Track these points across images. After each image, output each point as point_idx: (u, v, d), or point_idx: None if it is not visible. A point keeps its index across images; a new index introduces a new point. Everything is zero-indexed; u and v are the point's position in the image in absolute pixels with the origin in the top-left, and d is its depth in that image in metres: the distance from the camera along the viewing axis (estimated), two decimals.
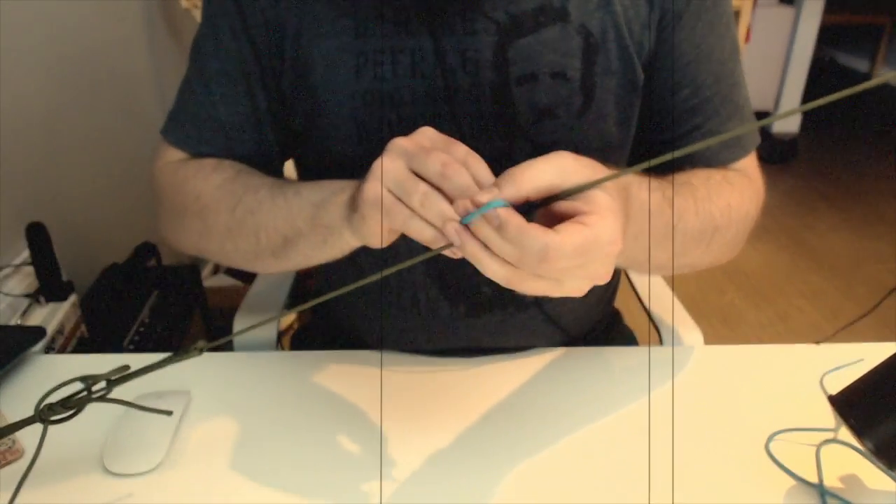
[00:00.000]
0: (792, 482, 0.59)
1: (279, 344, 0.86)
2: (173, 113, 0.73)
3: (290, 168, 0.81)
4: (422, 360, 0.75)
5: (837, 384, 0.56)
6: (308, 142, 0.71)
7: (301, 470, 0.60)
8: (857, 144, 3.87)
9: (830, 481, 0.58)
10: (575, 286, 0.47)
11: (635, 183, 0.56)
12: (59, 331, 1.03)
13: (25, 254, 1.10)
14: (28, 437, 0.57)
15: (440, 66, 0.64)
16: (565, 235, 0.44)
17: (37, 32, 1.23)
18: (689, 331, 0.85)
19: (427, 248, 0.49)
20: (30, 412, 0.50)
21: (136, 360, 0.52)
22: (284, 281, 0.97)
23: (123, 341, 1.18)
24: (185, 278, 1.45)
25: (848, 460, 0.59)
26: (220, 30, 0.68)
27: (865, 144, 3.87)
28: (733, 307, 2.31)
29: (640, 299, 0.95)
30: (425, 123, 0.65)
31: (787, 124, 3.92)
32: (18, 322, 1.01)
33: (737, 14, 2.93)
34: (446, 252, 0.48)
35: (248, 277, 1.93)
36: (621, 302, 0.94)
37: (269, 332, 0.85)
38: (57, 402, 0.49)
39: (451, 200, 0.46)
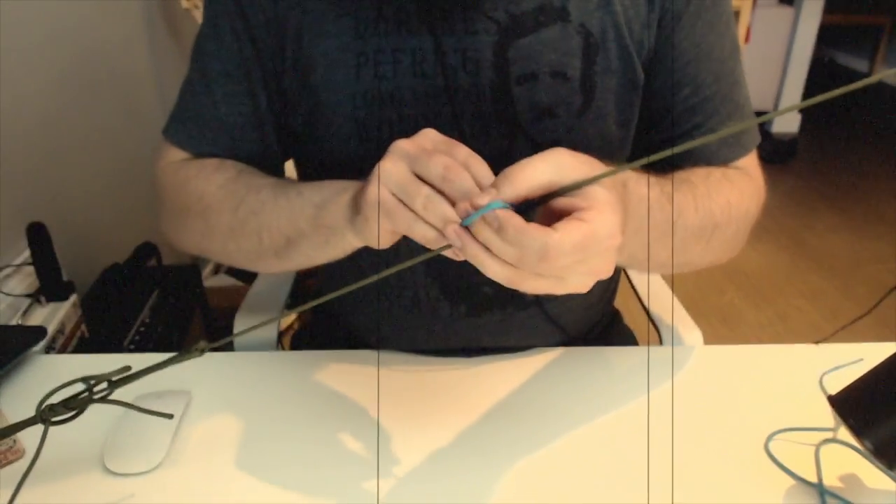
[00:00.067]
0: (791, 482, 0.59)
1: (279, 344, 0.86)
2: (175, 113, 0.73)
3: (290, 168, 0.81)
4: (422, 360, 0.75)
5: (837, 384, 0.57)
6: (308, 141, 0.71)
7: (301, 469, 0.60)
8: (856, 144, 3.87)
9: (830, 481, 0.58)
10: (578, 283, 0.47)
11: (633, 178, 0.56)
12: (60, 331, 1.03)
13: (26, 254, 1.10)
14: (29, 437, 0.57)
15: (440, 66, 0.64)
16: (564, 233, 0.44)
17: (37, 32, 1.23)
18: (688, 331, 0.85)
19: (428, 248, 0.49)
20: (30, 412, 0.50)
21: (137, 360, 0.52)
22: (285, 281, 0.98)
23: (124, 341, 1.18)
24: (186, 278, 1.45)
25: (847, 460, 0.59)
26: (221, 30, 0.68)
27: (865, 144, 3.87)
28: (733, 307, 2.31)
29: (639, 299, 0.95)
30: (426, 123, 0.65)
31: (787, 124, 3.92)
32: (19, 322, 1.01)
33: (736, 14, 2.94)
34: (448, 254, 0.48)
35: (248, 277, 1.93)
36: (621, 302, 0.94)
37: (269, 332, 0.85)
38: (58, 403, 0.49)
39: (453, 203, 0.47)
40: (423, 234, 0.48)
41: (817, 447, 0.61)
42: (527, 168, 0.46)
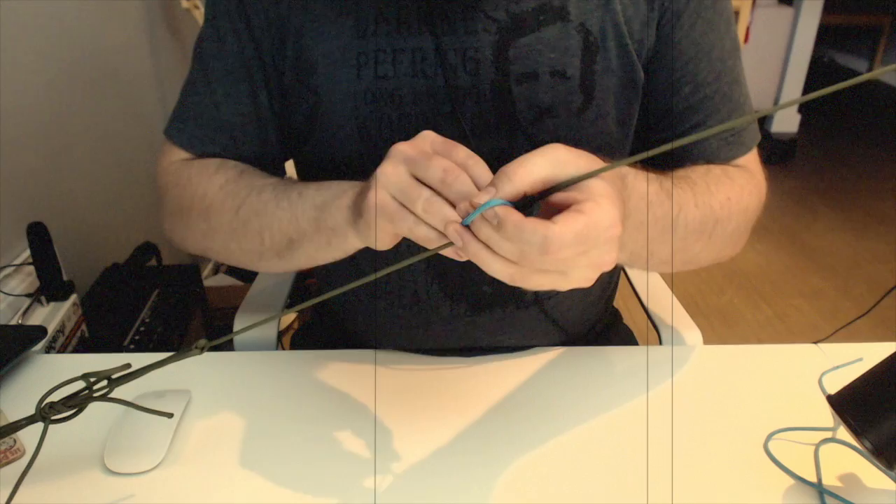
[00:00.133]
0: (791, 481, 0.59)
1: (279, 343, 0.86)
2: (176, 113, 0.73)
3: (290, 167, 0.81)
4: (421, 359, 0.75)
5: (836, 384, 0.57)
6: (309, 141, 0.71)
7: (301, 468, 0.60)
8: (855, 144, 3.87)
9: (829, 480, 0.58)
10: (581, 276, 0.47)
11: (631, 174, 0.56)
12: (60, 330, 1.03)
13: (26, 253, 1.10)
14: (29, 437, 0.57)
15: (441, 66, 0.64)
16: (563, 224, 0.44)
17: (37, 33, 1.23)
18: (688, 330, 0.85)
19: (429, 249, 0.49)
20: (30, 411, 0.50)
21: (137, 360, 0.53)
22: (285, 281, 0.98)
23: (124, 341, 1.18)
24: (186, 278, 1.45)
25: (846, 459, 0.60)
26: (222, 30, 0.68)
27: (864, 144, 3.87)
28: (732, 307, 2.31)
29: (639, 299, 0.95)
30: (426, 122, 0.65)
31: (786, 125, 3.92)
32: (19, 321, 1.01)
33: (736, 14, 2.93)
34: (451, 254, 0.49)
35: (248, 277, 1.93)
36: (621, 302, 0.94)
37: (269, 331, 0.85)
38: (58, 401, 0.49)
39: (454, 206, 0.47)
40: (424, 236, 0.49)
41: (817, 447, 0.61)
42: (524, 165, 0.46)
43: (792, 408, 0.67)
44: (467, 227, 0.46)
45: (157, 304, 1.31)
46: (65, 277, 1.09)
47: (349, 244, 0.59)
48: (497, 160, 0.50)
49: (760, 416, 0.66)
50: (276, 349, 0.84)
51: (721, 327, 2.20)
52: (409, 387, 0.71)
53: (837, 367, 0.72)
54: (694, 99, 0.69)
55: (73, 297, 1.08)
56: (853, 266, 2.55)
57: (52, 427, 0.50)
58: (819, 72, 4.25)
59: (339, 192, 0.58)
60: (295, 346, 0.92)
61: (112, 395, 0.50)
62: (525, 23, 0.64)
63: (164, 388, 0.68)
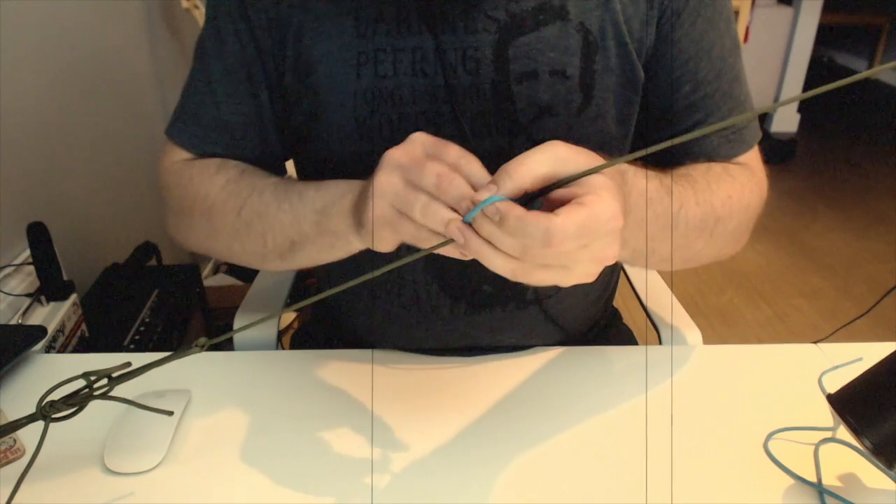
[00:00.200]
0: (790, 481, 0.59)
1: (279, 343, 0.86)
2: (177, 113, 0.73)
3: (290, 167, 0.81)
4: (421, 359, 0.75)
5: (836, 383, 0.57)
6: (309, 140, 0.71)
7: (301, 467, 0.60)
8: (855, 144, 3.87)
9: (829, 480, 0.58)
10: (583, 271, 0.47)
11: (631, 171, 0.56)
12: (60, 330, 1.03)
13: (26, 253, 1.10)
14: (29, 437, 0.57)
15: (441, 65, 0.64)
16: (565, 216, 0.44)
17: (37, 33, 1.24)
18: (687, 330, 0.85)
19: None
20: (30, 411, 0.50)
21: (137, 360, 0.53)
22: (285, 280, 0.98)
23: (124, 341, 1.18)
24: (186, 278, 1.45)
25: (846, 459, 0.60)
26: (223, 30, 0.68)
27: (864, 144, 3.87)
28: (732, 306, 2.31)
29: (639, 299, 0.95)
30: (426, 121, 0.65)
31: (786, 124, 3.92)
32: (19, 321, 1.01)
33: (735, 14, 2.94)
34: (454, 253, 0.49)
35: (248, 277, 1.93)
36: (620, 302, 0.94)
37: (269, 331, 0.85)
38: (59, 400, 0.49)
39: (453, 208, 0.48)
40: (427, 241, 0.50)
41: (816, 446, 0.61)
42: (525, 162, 0.47)
43: (792, 408, 0.67)
44: (469, 224, 0.47)
45: (157, 304, 1.32)
46: (65, 277, 1.09)
47: (353, 247, 0.60)
48: (497, 159, 0.50)
49: (760, 416, 0.66)
50: (276, 349, 0.84)
51: (721, 327, 2.20)
52: (408, 386, 0.71)
53: (837, 367, 0.73)
54: (694, 97, 0.69)
55: (73, 297, 1.08)
56: (853, 266, 2.55)
57: (52, 426, 0.50)
58: (818, 71, 4.25)
59: (338, 196, 0.58)
60: (295, 345, 0.92)
61: (112, 393, 0.50)
62: (525, 22, 0.64)
63: (164, 388, 0.68)
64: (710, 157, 0.71)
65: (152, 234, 1.52)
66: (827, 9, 3.67)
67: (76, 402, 0.49)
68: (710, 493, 0.58)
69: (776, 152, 3.56)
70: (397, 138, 0.52)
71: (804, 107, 3.95)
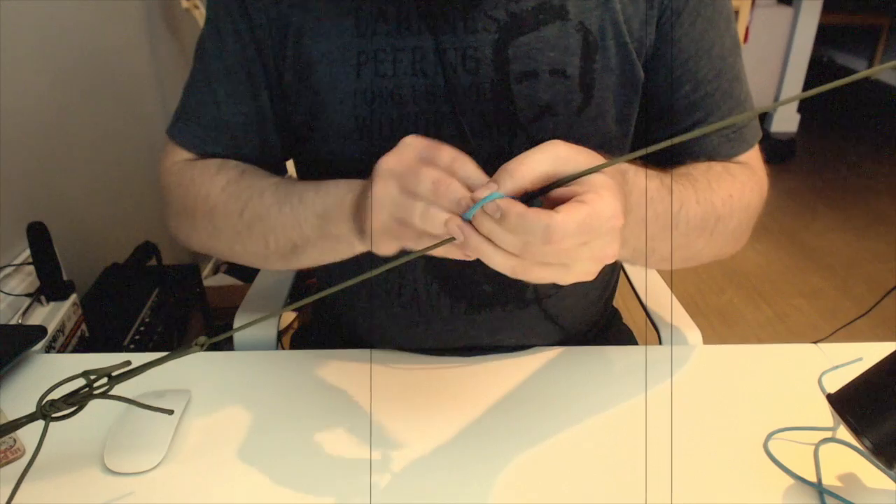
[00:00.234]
0: (790, 481, 0.59)
1: (279, 343, 0.86)
2: (178, 113, 0.73)
3: (290, 166, 0.82)
4: (421, 359, 0.75)
5: (836, 383, 0.57)
6: (309, 140, 0.71)
7: (301, 467, 0.60)
8: (855, 144, 3.87)
9: (829, 480, 0.58)
10: (583, 269, 0.48)
11: (631, 170, 0.57)
12: (60, 330, 1.03)
13: (26, 253, 1.10)
14: (29, 437, 0.57)
15: (441, 65, 0.64)
16: (566, 213, 0.44)
17: (37, 33, 1.24)
18: (687, 330, 0.85)
19: (431, 246, 0.50)
20: (30, 411, 0.50)
21: (137, 359, 0.53)
22: (285, 280, 0.98)
23: (124, 340, 1.18)
24: (186, 278, 1.45)
25: (846, 459, 0.60)
26: (223, 30, 0.69)
27: (864, 144, 3.87)
28: (732, 306, 2.31)
29: (639, 299, 0.95)
30: (426, 121, 0.66)
31: (786, 124, 3.92)
32: (19, 321, 1.01)
33: (735, 14, 2.93)
34: (458, 255, 0.49)
35: (248, 277, 1.93)
36: (620, 301, 0.94)
37: (269, 331, 0.85)
38: (59, 399, 0.49)
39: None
40: (429, 245, 0.50)
41: (816, 446, 0.61)
42: (526, 161, 0.47)
43: (792, 408, 0.67)
44: (469, 221, 0.47)
45: (157, 304, 1.32)
46: (65, 277, 1.09)
47: (356, 249, 0.60)
48: (497, 159, 0.50)
49: (760, 416, 0.66)
50: (276, 349, 0.84)
51: (721, 327, 2.20)
52: (408, 386, 0.71)
53: (837, 367, 0.73)
54: (694, 97, 0.69)
55: (73, 297, 1.08)
56: (853, 266, 2.55)
57: (52, 426, 0.50)
58: (818, 72, 4.24)
59: (338, 200, 0.59)
60: (295, 345, 0.92)
61: (112, 393, 0.50)
62: (525, 22, 0.64)
63: (164, 388, 0.68)
64: (711, 157, 0.71)
65: (152, 234, 1.52)
66: (827, 9, 3.67)
67: (76, 401, 0.49)
68: (710, 493, 0.58)
69: (776, 152, 3.56)
70: (397, 138, 0.52)
71: (804, 107, 3.95)
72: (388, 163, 0.50)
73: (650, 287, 0.96)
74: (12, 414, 0.64)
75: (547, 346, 0.78)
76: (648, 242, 0.61)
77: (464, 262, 0.50)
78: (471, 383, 0.72)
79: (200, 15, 1.79)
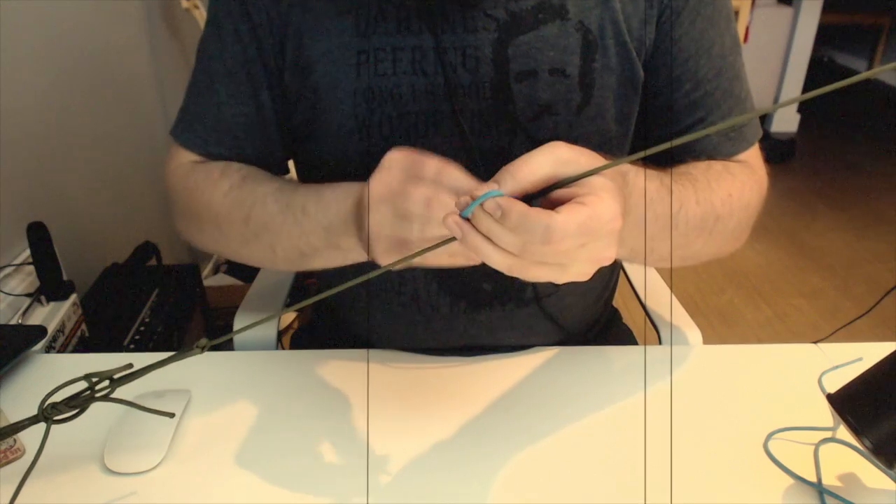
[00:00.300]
0: (790, 481, 0.59)
1: (279, 343, 0.86)
2: (181, 114, 0.74)
3: (291, 165, 0.81)
4: (420, 359, 0.75)
5: (836, 383, 0.57)
6: (309, 139, 0.71)
7: (301, 467, 0.60)
8: (855, 144, 3.87)
9: (829, 480, 0.58)
10: (579, 270, 0.48)
11: (632, 171, 0.57)
12: (60, 330, 1.03)
13: (26, 253, 1.10)
14: (29, 436, 0.57)
15: (440, 64, 0.64)
16: (567, 215, 0.44)
17: (37, 33, 1.23)
18: (687, 330, 0.85)
19: (431, 246, 0.50)
20: (31, 411, 0.50)
21: (137, 360, 0.53)
22: (285, 280, 0.98)
23: (124, 340, 1.18)
24: (186, 278, 1.45)
25: (846, 459, 0.60)
26: (223, 31, 0.69)
27: (863, 144, 3.87)
28: (732, 306, 2.31)
29: (639, 298, 0.95)
30: (426, 120, 0.66)
31: (786, 124, 3.92)
32: (19, 321, 1.01)
33: (735, 14, 2.93)
34: (464, 261, 0.50)
35: (248, 277, 1.93)
36: (620, 301, 0.94)
37: (269, 331, 0.85)
38: (61, 402, 0.49)
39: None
40: (438, 260, 0.51)
41: (816, 446, 0.61)
42: (528, 163, 0.47)
43: (792, 408, 0.67)
44: (467, 219, 0.47)
45: (157, 304, 1.32)
46: (65, 277, 1.09)
47: (365, 257, 0.61)
48: (496, 157, 0.50)
49: (760, 416, 0.66)
50: (276, 349, 0.84)
51: (721, 327, 2.20)
52: (408, 386, 0.71)
53: (837, 367, 0.73)
54: (694, 96, 0.69)
55: (73, 297, 1.08)
56: (853, 266, 2.55)
57: (52, 427, 0.50)
58: (818, 71, 4.25)
59: (340, 215, 0.59)
60: (295, 345, 0.92)
61: (113, 395, 0.50)
62: (524, 21, 0.64)
63: (164, 388, 0.68)
64: (711, 156, 0.71)
65: (152, 234, 1.52)
66: (827, 9, 3.67)
67: (77, 403, 0.49)
68: (710, 493, 0.58)
69: (776, 152, 3.56)
70: (397, 137, 0.52)
71: (804, 107, 3.95)
72: (377, 189, 0.52)
73: (650, 287, 0.96)
74: (12, 413, 0.64)
75: (546, 346, 0.78)
76: (647, 242, 0.61)
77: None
78: (470, 383, 0.72)
79: (200, 15, 1.79)
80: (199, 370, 0.72)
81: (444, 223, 0.47)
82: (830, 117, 4.26)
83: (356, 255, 0.61)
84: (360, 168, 0.57)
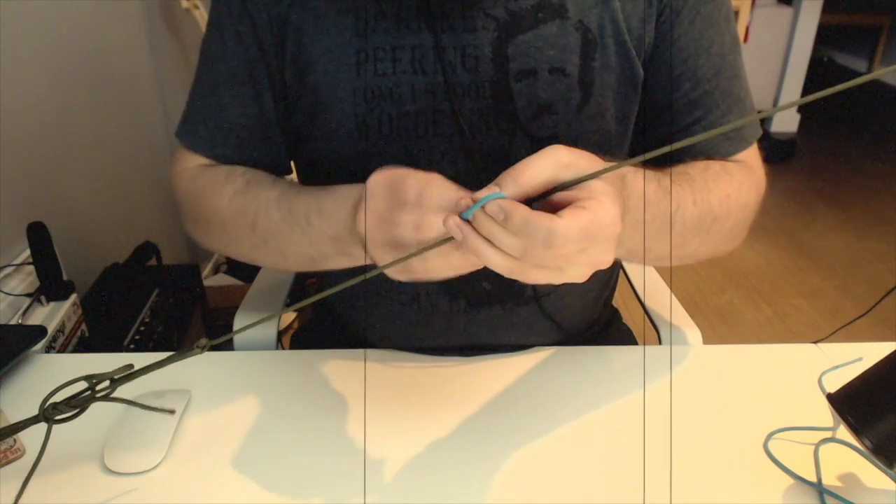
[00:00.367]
0: (790, 481, 0.59)
1: (279, 343, 0.86)
2: (185, 116, 0.74)
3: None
4: (420, 358, 0.75)
5: (836, 383, 0.57)
6: (309, 139, 0.71)
7: (301, 467, 0.60)
8: (855, 144, 3.87)
9: (829, 480, 0.58)
10: (577, 273, 0.48)
11: (630, 173, 0.57)
12: (60, 330, 1.03)
13: (26, 253, 1.10)
14: (28, 436, 0.57)
15: (440, 63, 0.64)
16: (569, 219, 0.44)
17: (37, 33, 1.24)
18: (687, 330, 0.85)
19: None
20: (31, 411, 0.50)
21: (137, 360, 0.53)
22: (285, 280, 0.98)
23: (124, 340, 1.18)
24: (186, 278, 1.45)
25: (846, 459, 0.60)
26: (225, 33, 0.69)
27: (863, 144, 3.87)
28: (732, 306, 2.31)
29: (638, 298, 0.95)
30: (425, 119, 0.66)
31: (786, 124, 3.92)
32: (19, 321, 1.01)
33: (735, 14, 2.94)
34: (468, 268, 0.50)
35: (248, 277, 1.93)
36: (620, 301, 0.94)
37: (269, 331, 0.85)
38: (61, 402, 0.49)
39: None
40: (440, 272, 0.52)
41: (816, 446, 0.61)
42: (530, 167, 0.47)
43: (792, 407, 0.67)
44: (467, 220, 0.47)
45: (157, 304, 1.32)
46: (65, 277, 1.09)
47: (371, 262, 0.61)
48: (496, 157, 0.50)
49: (760, 416, 0.66)
50: (276, 349, 0.84)
51: (721, 327, 2.20)
52: (407, 386, 0.71)
53: (837, 367, 0.73)
54: (694, 95, 0.69)
55: (73, 297, 1.08)
56: (853, 265, 2.55)
57: (52, 427, 0.50)
58: (818, 72, 4.25)
59: (344, 225, 0.59)
60: (295, 345, 0.92)
61: (113, 395, 0.50)
62: (524, 20, 0.64)
63: (164, 388, 0.68)
64: (710, 155, 0.71)
65: (152, 234, 1.52)
66: (827, 9, 3.67)
67: (78, 403, 0.49)
68: (710, 493, 0.58)
69: (776, 152, 3.56)
70: (397, 136, 0.52)
71: (804, 107, 3.95)
72: (369, 221, 0.53)
73: (650, 286, 0.96)
74: (12, 413, 0.64)
75: (546, 346, 0.78)
76: (645, 242, 0.61)
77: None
78: (469, 382, 0.72)
79: (200, 15, 1.79)
80: (199, 370, 0.72)
81: (445, 225, 0.47)
82: (830, 117, 4.26)
83: (368, 260, 0.61)
84: (360, 167, 0.57)
